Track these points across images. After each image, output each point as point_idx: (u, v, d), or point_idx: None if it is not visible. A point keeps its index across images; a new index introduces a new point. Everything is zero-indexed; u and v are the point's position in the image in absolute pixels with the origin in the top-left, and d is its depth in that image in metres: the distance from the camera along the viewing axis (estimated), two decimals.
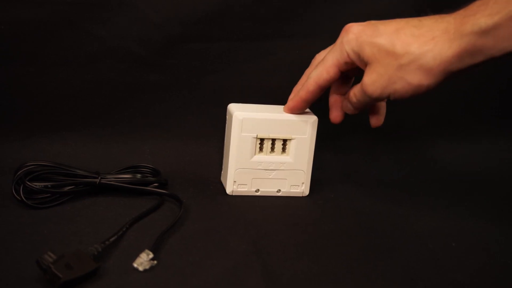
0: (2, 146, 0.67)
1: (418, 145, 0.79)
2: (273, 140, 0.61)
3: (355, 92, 0.55)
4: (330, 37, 0.59)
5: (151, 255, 0.49)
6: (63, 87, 0.68)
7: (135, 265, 0.48)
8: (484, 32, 0.45)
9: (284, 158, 0.62)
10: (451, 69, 0.48)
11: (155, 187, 0.62)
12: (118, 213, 0.57)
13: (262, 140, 0.61)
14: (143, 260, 0.48)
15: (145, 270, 0.48)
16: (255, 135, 0.60)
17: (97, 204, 0.59)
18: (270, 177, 0.62)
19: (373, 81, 0.51)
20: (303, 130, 0.61)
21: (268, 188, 0.63)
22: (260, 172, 0.62)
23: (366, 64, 0.52)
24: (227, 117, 0.62)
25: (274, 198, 0.64)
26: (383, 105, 0.60)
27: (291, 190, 0.63)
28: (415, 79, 0.49)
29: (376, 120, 0.60)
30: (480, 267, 0.53)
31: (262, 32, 0.69)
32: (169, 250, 0.52)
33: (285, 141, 0.62)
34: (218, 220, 0.58)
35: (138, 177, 0.63)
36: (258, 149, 0.61)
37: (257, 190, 0.63)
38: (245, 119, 0.60)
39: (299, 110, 0.61)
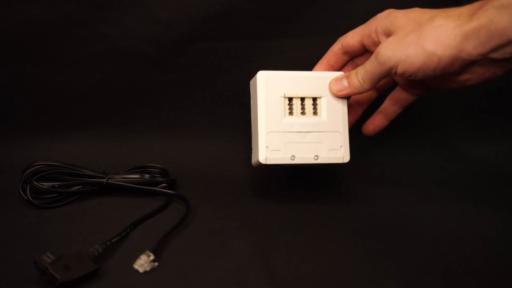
0: (10, 145, 0.68)
1: (441, 142, 0.75)
2: (302, 101, 0.58)
3: (367, 60, 0.54)
4: (340, 35, 0.58)
5: (152, 257, 0.48)
6: (71, 87, 0.68)
7: (135, 266, 0.48)
8: (504, 6, 0.46)
9: (317, 118, 0.59)
10: (467, 48, 0.48)
11: (163, 187, 0.62)
12: (124, 214, 0.57)
13: (290, 100, 0.58)
14: (143, 262, 0.48)
15: (145, 272, 0.47)
16: (282, 94, 0.58)
17: (103, 204, 0.59)
18: (305, 140, 0.58)
19: (388, 42, 0.51)
20: None
21: (305, 154, 0.58)
22: (294, 135, 0.58)
23: (390, 35, 0.52)
24: (250, 85, 0.60)
25: (283, 195, 0.62)
26: (392, 109, 0.60)
27: (330, 155, 0.59)
28: (430, 45, 0.49)
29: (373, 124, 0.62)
30: (490, 272, 0.51)
31: (272, 31, 0.68)
32: (173, 251, 0.51)
33: (315, 101, 0.59)
34: (225, 221, 0.57)
35: (147, 177, 0.62)
36: (287, 111, 0.58)
37: (293, 157, 0.58)
38: (270, 77, 0.57)
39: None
